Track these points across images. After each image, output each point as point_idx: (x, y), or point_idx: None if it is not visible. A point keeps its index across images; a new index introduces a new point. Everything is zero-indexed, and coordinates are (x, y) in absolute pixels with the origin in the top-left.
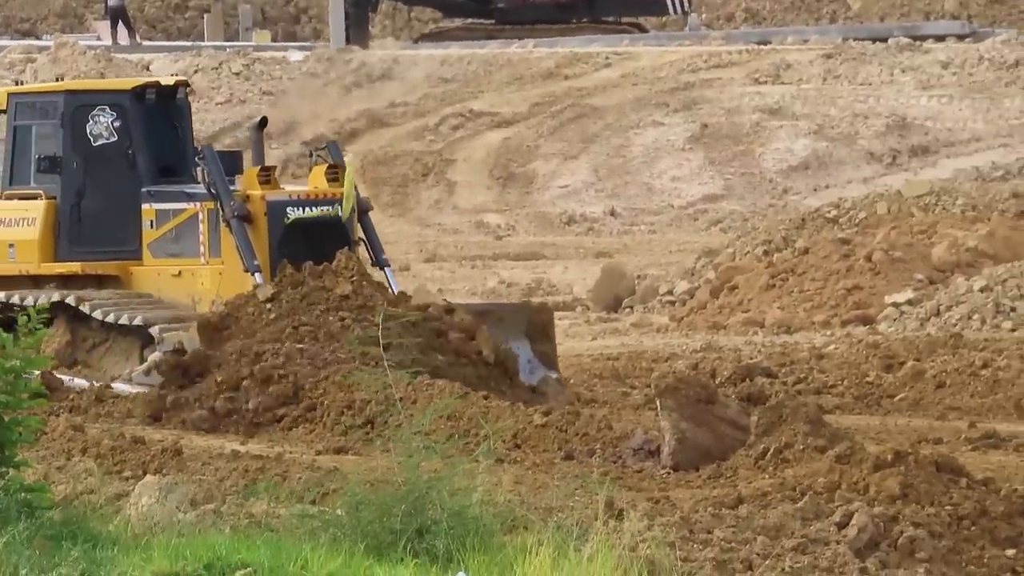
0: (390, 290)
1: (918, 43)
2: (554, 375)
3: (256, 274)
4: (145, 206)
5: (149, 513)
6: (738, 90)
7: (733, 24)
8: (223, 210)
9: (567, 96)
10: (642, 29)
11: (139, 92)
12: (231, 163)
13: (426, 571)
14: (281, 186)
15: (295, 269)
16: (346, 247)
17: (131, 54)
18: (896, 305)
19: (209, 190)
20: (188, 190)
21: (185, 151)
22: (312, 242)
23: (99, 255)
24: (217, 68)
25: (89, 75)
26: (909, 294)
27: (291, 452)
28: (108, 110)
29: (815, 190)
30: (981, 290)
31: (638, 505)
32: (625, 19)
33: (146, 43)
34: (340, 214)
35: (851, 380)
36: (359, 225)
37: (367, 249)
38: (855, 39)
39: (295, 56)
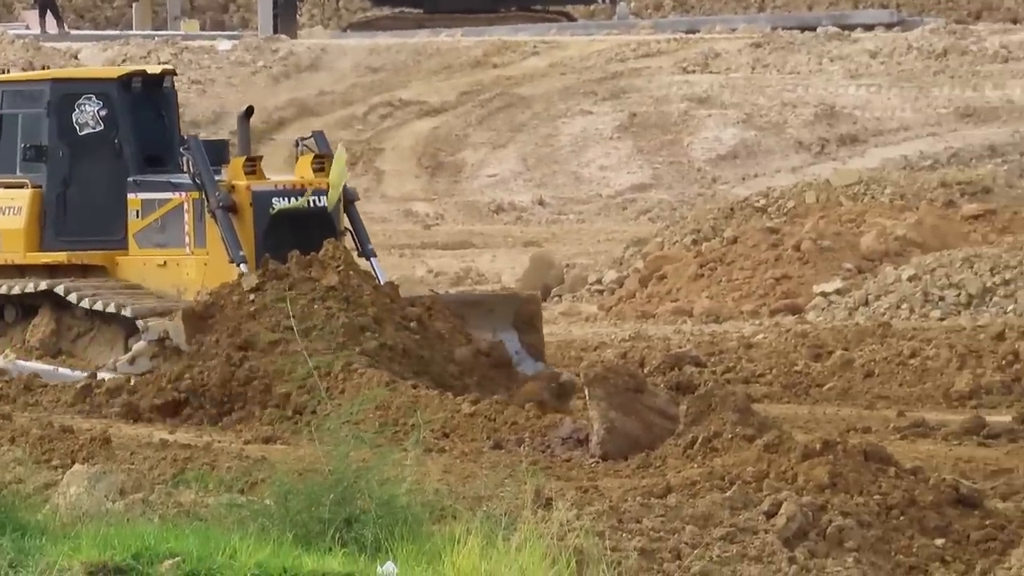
0: (377, 280)
1: (847, 32)
2: (541, 366)
3: (241, 265)
4: (131, 196)
5: (77, 502)
6: (666, 79)
7: (661, 13)
8: (208, 200)
9: (495, 85)
10: (570, 18)
11: (125, 81)
12: (217, 152)
13: (354, 561)
14: (267, 176)
15: (280, 260)
16: (332, 237)
17: (59, 43)
18: (825, 294)
19: (194, 180)
20: (174, 180)
21: (172, 140)
22: (298, 233)
23: (85, 244)
24: (145, 57)
25: (17, 64)
26: (838, 283)
27: (219, 441)
28: (94, 99)
29: (744, 179)
30: (909, 279)
31: (567, 494)
32: (553, 8)
33: (74, 32)
34: (325, 204)
35: (780, 369)
36: (345, 215)
37: (353, 239)
38: (783, 28)
39: (223, 45)
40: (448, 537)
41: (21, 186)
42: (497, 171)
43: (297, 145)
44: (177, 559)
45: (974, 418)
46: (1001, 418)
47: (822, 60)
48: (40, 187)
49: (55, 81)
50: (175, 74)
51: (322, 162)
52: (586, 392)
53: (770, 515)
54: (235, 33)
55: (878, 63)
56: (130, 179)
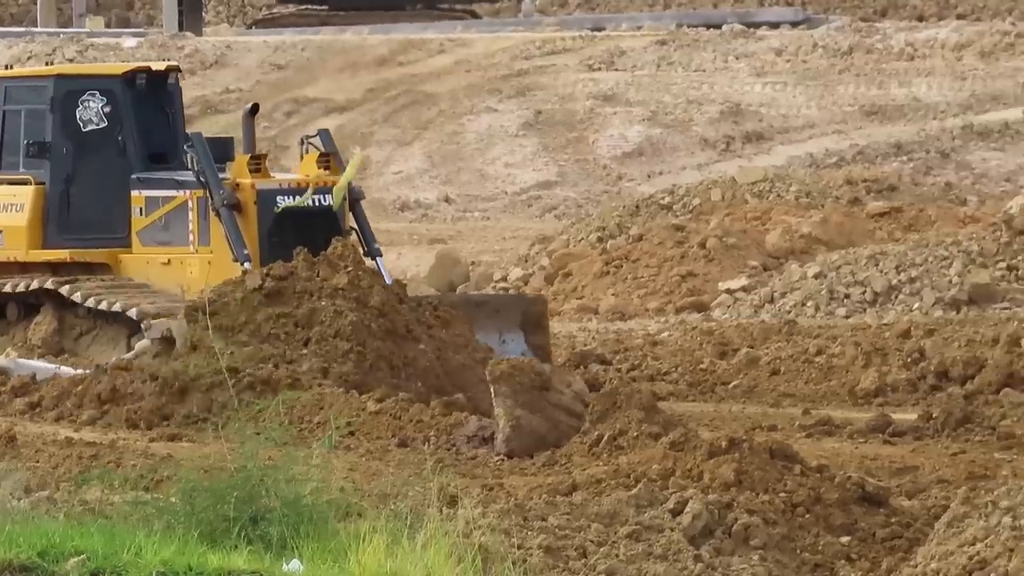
0: (384, 280)
1: (752, 30)
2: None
3: (246, 264)
4: (135, 193)
5: None
6: (572, 76)
7: (567, 10)
8: (212, 199)
9: (401, 83)
10: (476, 16)
11: (130, 77)
12: (223, 149)
13: (260, 559)
14: (271, 174)
15: (284, 259)
16: (337, 236)
17: None
18: (730, 292)
19: (198, 178)
20: (178, 177)
21: (176, 137)
22: (303, 231)
23: (88, 242)
24: (51, 54)
25: None
26: (743, 281)
27: (124, 439)
28: (98, 95)
29: (649, 177)
30: (815, 277)
31: (472, 492)
32: (459, 6)
33: None
34: (330, 203)
35: (685, 367)
36: (351, 214)
37: (359, 238)
38: (689, 26)
39: (129, 42)
40: (354, 535)
41: (24, 183)
42: (403, 168)
43: (302, 143)
44: (82, 557)
45: (879, 416)
46: (906, 416)
47: (728, 58)
48: (43, 184)
49: (59, 77)
50: (180, 71)
51: (327, 160)
52: (492, 390)
53: (676, 513)
54: (140, 31)
55: (783, 61)
56: (134, 176)
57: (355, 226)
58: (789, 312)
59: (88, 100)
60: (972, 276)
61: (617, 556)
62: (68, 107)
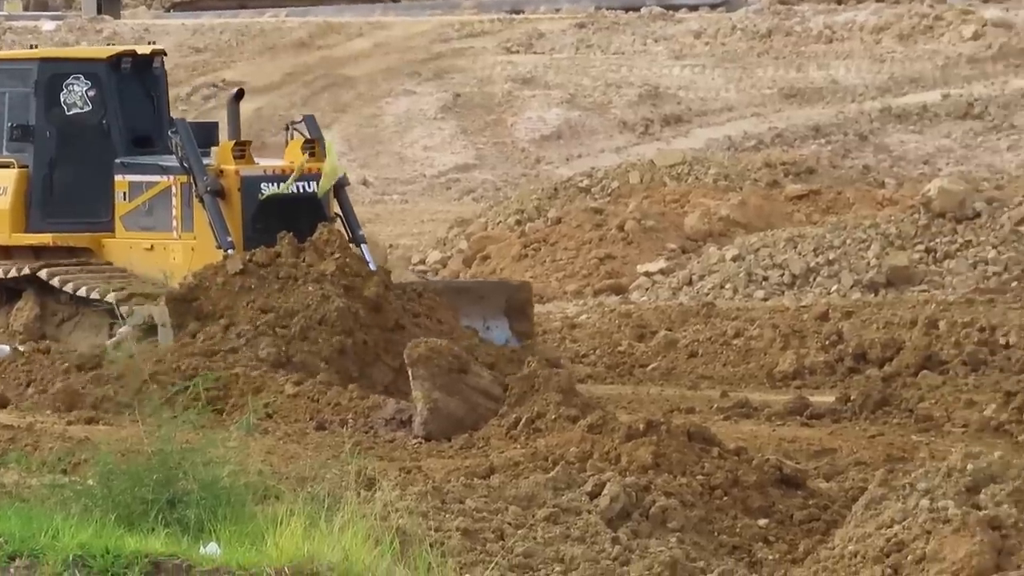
0: (368, 266)
1: (671, 12)
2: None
3: (229, 251)
4: (118, 177)
5: None
6: (490, 59)
7: None
8: (196, 185)
9: (320, 66)
10: None
11: (114, 61)
12: (207, 134)
13: (177, 541)
14: (256, 161)
15: (268, 245)
16: (322, 223)
17: None
18: (648, 274)
19: (182, 164)
20: (162, 163)
21: (161, 121)
22: (287, 218)
23: (71, 226)
24: None
25: None
26: (661, 263)
27: (42, 422)
28: (83, 79)
29: (568, 159)
30: (733, 259)
31: (390, 475)
32: None
33: None
34: (315, 190)
35: (603, 349)
36: (335, 200)
37: (343, 225)
38: (608, 8)
39: (48, 26)
40: (271, 518)
41: (7, 166)
42: None
43: (288, 129)
44: None
45: (797, 398)
46: (824, 398)
47: (646, 41)
48: (27, 167)
49: (44, 60)
50: (165, 55)
51: (312, 146)
52: (409, 373)
53: (593, 495)
54: (59, 13)
55: (702, 44)
56: (118, 161)
57: (340, 212)
58: (707, 295)
59: (72, 84)
60: (890, 259)
61: (535, 539)
62: (52, 91)
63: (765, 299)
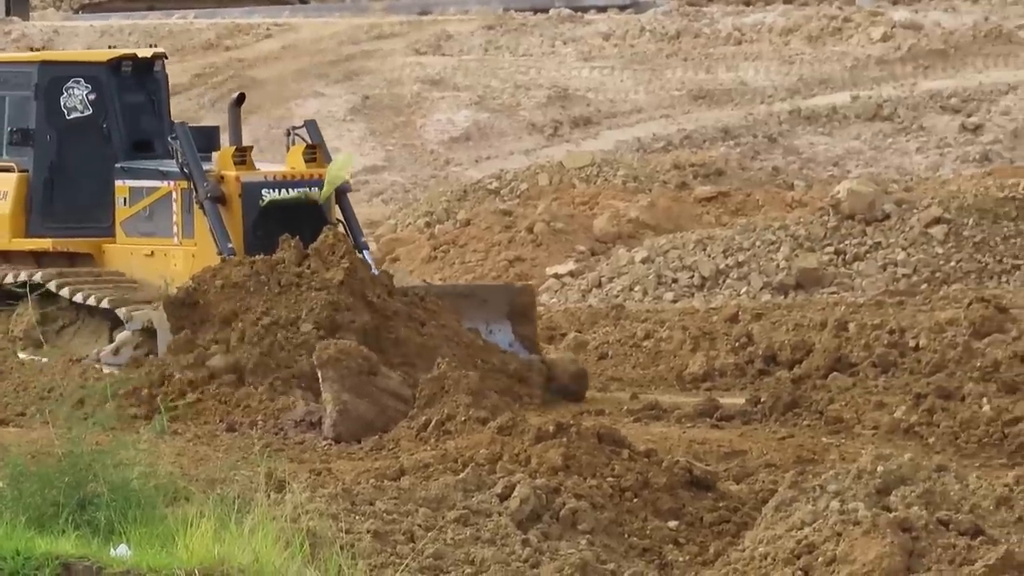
0: (372, 271)
1: (579, 14)
2: (537, 359)
3: (230, 258)
4: (119, 182)
5: None
6: (399, 61)
7: None
8: (197, 191)
9: (228, 67)
10: (303, 0)
11: (115, 64)
12: (208, 139)
13: (88, 543)
14: (256, 167)
15: (269, 252)
16: (324, 229)
17: None
18: (558, 276)
19: (182, 170)
20: (163, 168)
21: (162, 125)
22: (288, 224)
23: (71, 231)
24: None
25: None
26: (571, 265)
27: None
28: (83, 82)
29: (477, 161)
30: (643, 261)
31: (300, 477)
32: None
33: None
34: (318, 196)
35: None
36: (337, 206)
37: (345, 231)
38: (516, 10)
39: None
40: (182, 520)
41: (7, 170)
42: None
43: (289, 135)
44: None
45: (707, 400)
46: (734, 400)
47: (555, 42)
48: (27, 171)
49: (44, 64)
50: (166, 57)
51: (314, 152)
52: (319, 374)
53: (503, 497)
54: None
55: (611, 45)
56: (118, 165)
57: (341, 218)
58: (617, 297)
59: (73, 87)
60: (800, 260)
61: (445, 540)
62: (52, 94)
63: (675, 301)
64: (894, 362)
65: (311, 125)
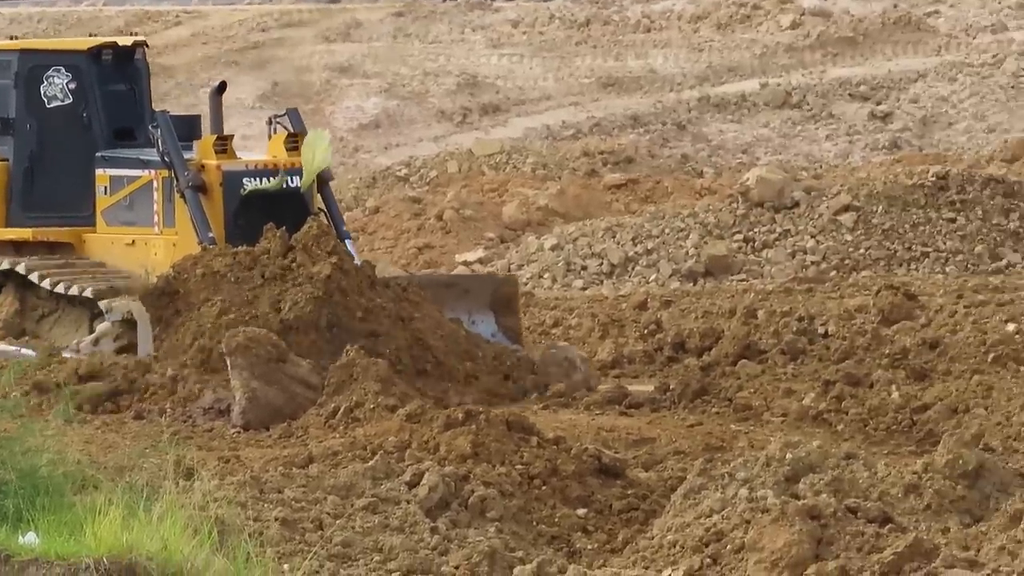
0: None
1: (489, 1)
2: (519, 350)
3: (210, 247)
4: (99, 171)
5: None
6: (308, 49)
7: None
8: (177, 180)
9: None
10: None
11: (95, 53)
12: (189, 128)
13: None
14: (238, 155)
15: (251, 242)
16: (305, 219)
17: None
18: (467, 263)
19: (163, 159)
20: (143, 156)
21: (142, 114)
22: (270, 214)
23: (51, 221)
24: None
25: None
26: (480, 253)
27: None
28: (63, 71)
29: (386, 148)
30: (552, 249)
31: (208, 464)
32: None
33: None
34: (298, 185)
35: None
36: (319, 196)
37: (328, 220)
38: None
39: None
40: (90, 507)
41: None
42: None
43: (270, 123)
44: None
45: (616, 388)
46: (643, 388)
47: (464, 30)
48: (7, 160)
49: (24, 52)
50: (147, 46)
51: (296, 141)
52: (228, 362)
53: (412, 485)
54: None
55: (520, 33)
56: (99, 154)
57: (323, 208)
58: (526, 284)
59: (53, 76)
60: (708, 248)
61: (353, 528)
62: (33, 83)
63: (584, 288)
64: (803, 349)
65: (293, 113)
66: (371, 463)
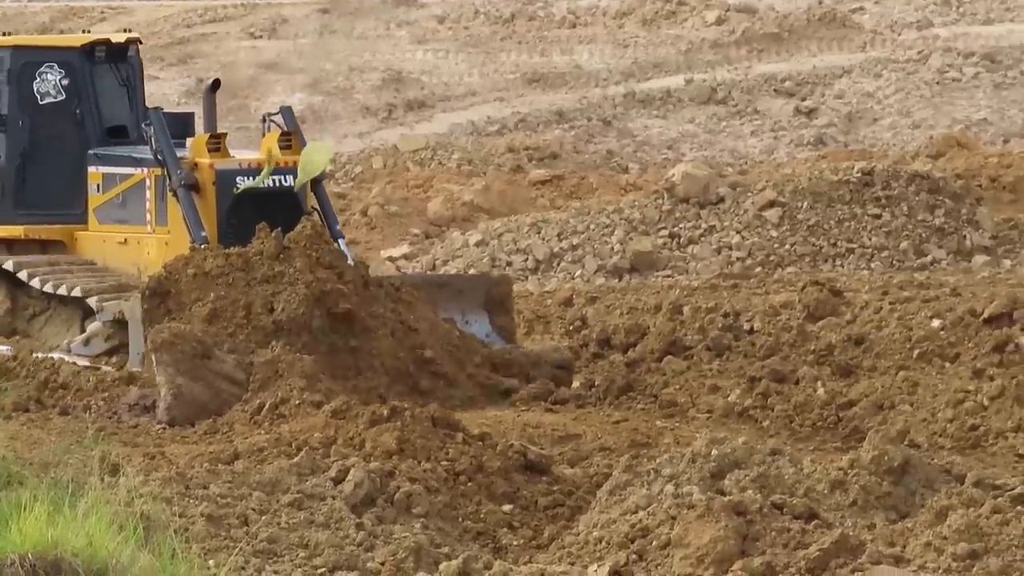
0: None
1: None
2: (514, 350)
3: (203, 247)
4: (92, 169)
5: None
6: (234, 44)
7: None
8: (170, 179)
9: None
10: None
11: (88, 49)
12: (183, 125)
13: None
14: (231, 154)
15: (244, 241)
16: (299, 218)
17: None
18: (392, 260)
19: (156, 157)
20: (136, 154)
21: (136, 111)
22: (263, 213)
23: (43, 218)
24: None
25: None
26: (405, 248)
27: None
28: (56, 67)
29: None
30: (477, 244)
31: (134, 461)
32: None
33: None
34: (291, 184)
35: None
36: (312, 195)
37: (321, 220)
38: None
39: None
40: (15, 504)
41: None
42: None
43: (264, 121)
44: None
45: (541, 384)
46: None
47: (390, 25)
48: None
49: (16, 48)
50: (140, 43)
51: (289, 139)
52: (153, 358)
53: (337, 481)
54: None
55: (446, 28)
56: (91, 152)
57: (317, 207)
58: None
59: (46, 72)
60: (634, 244)
61: (279, 524)
62: (25, 79)
63: None
64: (728, 345)
65: (286, 112)
66: (296, 459)
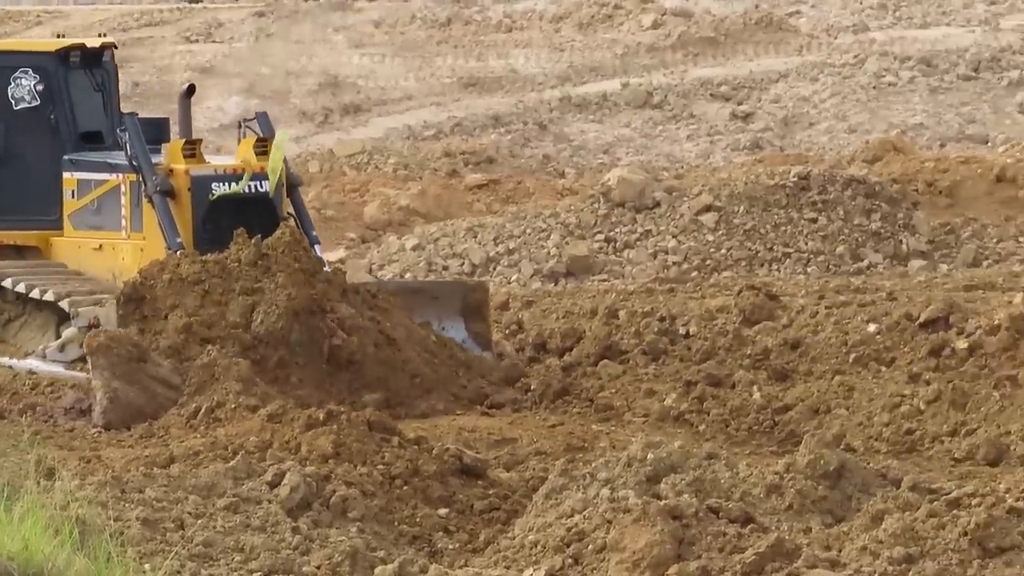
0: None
1: (350, 1)
2: (488, 355)
3: (178, 252)
4: (67, 175)
5: None
6: (170, 49)
7: None
8: (145, 185)
9: None
10: None
11: (63, 54)
12: (158, 130)
13: None
14: (207, 160)
15: (219, 247)
16: (274, 224)
17: None
18: (328, 264)
19: (131, 162)
20: (111, 160)
21: (111, 117)
22: (239, 219)
23: (18, 224)
24: None
25: None
26: (341, 252)
27: None
28: (31, 72)
29: None
30: (413, 249)
31: (69, 464)
32: None
33: None
34: (267, 189)
35: None
36: (288, 201)
37: (297, 226)
38: None
39: None
40: None
41: None
42: None
43: (240, 127)
44: None
45: (477, 388)
46: (504, 388)
47: (326, 29)
48: None
49: None
50: (116, 47)
51: (265, 145)
52: (89, 362)
53: (273, 485)
54: None
55: (382, 32)
56: (66, 157)
57: (292, 213)
58: None
59: (20, 77)
60: (570, 248)
61: (215, 528)
62: None
63: None
64: (664, 349)
65: (262, 118)
66: (232, 463)
